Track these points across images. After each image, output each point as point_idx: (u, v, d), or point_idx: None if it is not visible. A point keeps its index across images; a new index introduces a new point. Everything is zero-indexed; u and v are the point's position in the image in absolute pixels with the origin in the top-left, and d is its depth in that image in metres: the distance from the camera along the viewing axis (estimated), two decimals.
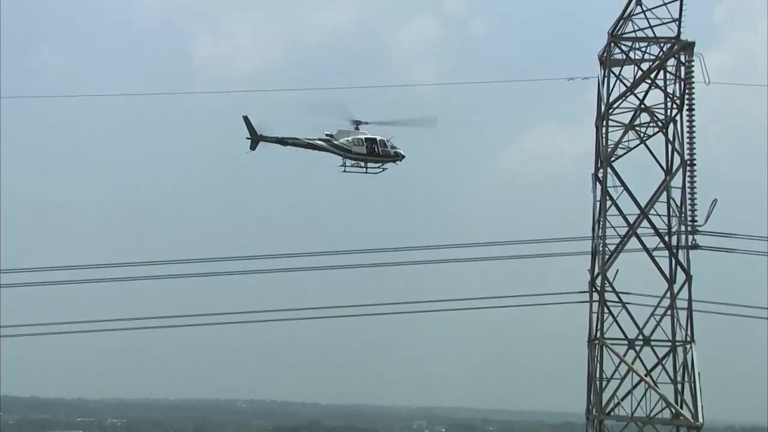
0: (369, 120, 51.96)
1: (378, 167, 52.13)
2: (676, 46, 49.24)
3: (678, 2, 47.71)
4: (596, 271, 53.16)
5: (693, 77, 48.99)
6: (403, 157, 52.54)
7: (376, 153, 51.20)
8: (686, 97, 49.90)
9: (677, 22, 48.40)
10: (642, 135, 53.11)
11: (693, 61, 49.00)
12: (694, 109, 49.34)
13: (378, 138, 51.41)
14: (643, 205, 51.98)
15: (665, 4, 48.53)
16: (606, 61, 52.64)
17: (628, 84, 51.97)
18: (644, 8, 49.41)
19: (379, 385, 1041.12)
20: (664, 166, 52.52)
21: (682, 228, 50.39)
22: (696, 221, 49.38)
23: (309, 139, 50.94)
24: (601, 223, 52.48)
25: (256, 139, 50.36)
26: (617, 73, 52.67)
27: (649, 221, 51.96)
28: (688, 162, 49.98)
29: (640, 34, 51.55)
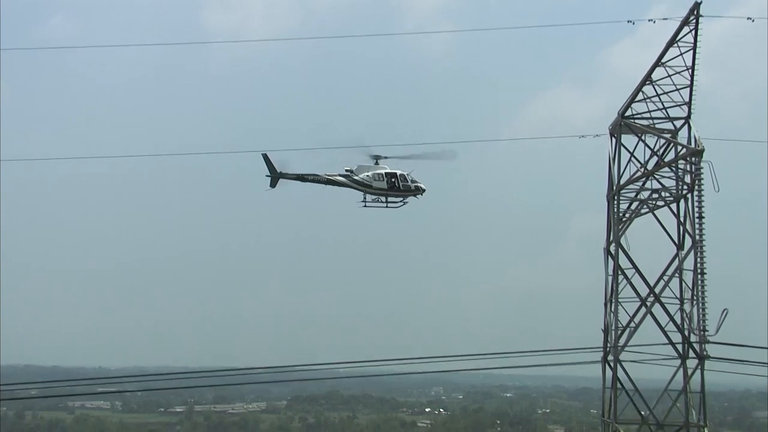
0: (388, 155, 50.33)
1: (399, 201, 50.69)
2: (684, 151, 49.30)
3: (688, 88, 47.66)
4: (609, 346, 53.26)
5: (702, 182, 48.67)
6: (424, 191, 51.79)
7: (397, 188, 49.78)
8: (696, 182, 49.36)
9: (688, 105, 48.57)
10: (652, 205, 52.36)
11: (702, 168, 48.18)
12: (703, 196, 48.80)
13: (398, 172, 50.57)
14: (655, 280, 52.07)
15: (677, 90, 48.90)
16: (617, 140, 52.85)
17: (639, 159, 52.27)
18: (657, 92, 49.83)
19: (396, 351, 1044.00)
20: (676, 239, 52.73)
21: (693, 337, 50.04)
22: (707, 331, 48.71)
23: (329, 176, 50.31)
24: (613, 302, 52.65)
25: (275, 176, 49.18)
26: (630, 151, 53.17)
27: (662, 305, 51.97)
28: (698, 243, 48.63)
29: (652, 108, 51.91)
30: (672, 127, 50.52)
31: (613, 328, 51.57)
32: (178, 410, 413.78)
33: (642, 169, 50.97)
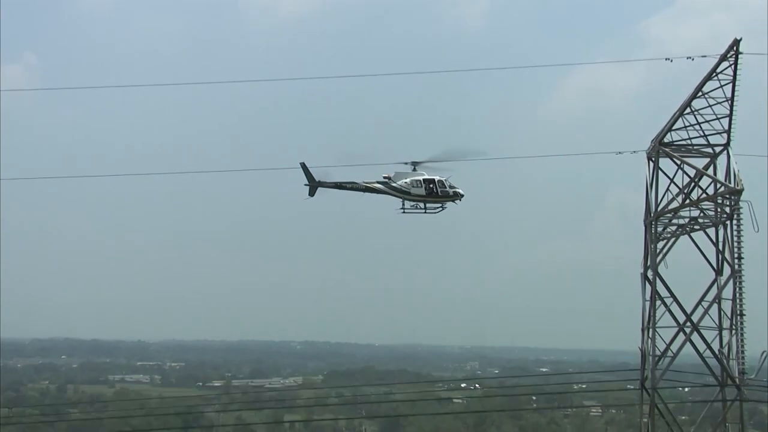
0: (424, 159, 49.44)
1: (438, 207, 50.02)
2: (724, 189, 48.70)
3: (728, 117, 46.89)
4: (647, 374, 53.13)
5: (742, 218, 48.27)
6: (462, 196, 51.09)
7: (435, 193, 49.03)
8: (735, 218, 49.00)
9: (728, 133, 48.08)
10: (689, 229, 50.84)
11: (741, 207, 48.17)
12: (742, 230, 48.34)
13: (437, 178, 50.04)
14: (692, 308, 51.65)
15: (718, 119, 48.45)
16: (655, 165, 52.50)
17: (678, 184, 52.31)
18: (697, 120, 49.70)
19: (432, 325, 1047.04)
20: (714, 265, 52.06)
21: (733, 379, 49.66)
22: (745, 373, 46.27)
23: (367, 183, 49.77)
24: (650, 331, 52.29)
25: (314, 185, 48.58)
26: (670, 177, 53.15)
27: (699, 333, 51.61)
28: (737, 273, 47.08)
29: (692, 135, 51.65)
30: (711, 152, 49.02)
31: (650, 354, 50.17)
32: (216, 384, 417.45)
33: (681, 196, 49.48)
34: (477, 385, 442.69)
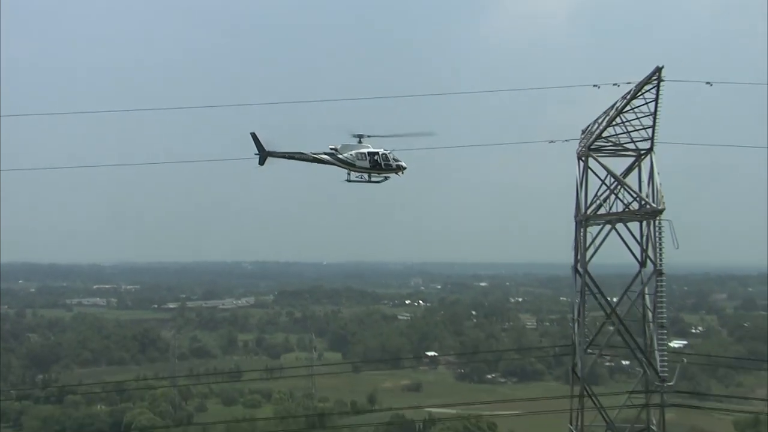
0: (371, 133, 49.65)
1: (381, 179, 50.47)
2: (646, 206, 48.37)
3: (652, 128, 47.91)
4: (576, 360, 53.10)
5: (663, 238, 47.84)
6: (405, 168, 50.85)
7: (379, 166, 49.17)
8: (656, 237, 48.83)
9: (651, 140, 48.88)
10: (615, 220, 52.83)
11: (662, 227, 47.81)
12: (663, 251, 47.71)
13: (380, 151, 49.98)
14: (617, 305, 52.32)
15: (644, 128, 48.89)
16: (585, 165, 52.15)
17: (608, 182, 51.91)
18: (626, 129, 50.04)
19: (377, 243, 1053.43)
20: (639, 257, 51.91)
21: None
22: (666, 381, 48.23)
23: (315, 154, 49.59)
24: (580, 321, 52.16)
25: (264, 155, 48.60)
26: (600, 178, 52.37)
27: (623, 325, 50.95)
28: (659, 272, 48.66)
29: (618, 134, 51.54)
30: (637, 154, 50.41)
31: (579, 344, 51.59)
32: (171, 306, 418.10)
33: (606, 191, 50.80)
34: (421, 302, 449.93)
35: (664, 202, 45.89)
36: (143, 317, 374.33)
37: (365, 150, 49.76)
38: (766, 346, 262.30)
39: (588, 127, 52.77)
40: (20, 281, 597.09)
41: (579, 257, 51.51)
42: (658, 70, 44.83)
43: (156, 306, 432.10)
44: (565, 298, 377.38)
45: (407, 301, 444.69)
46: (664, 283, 45.67)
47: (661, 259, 45.42)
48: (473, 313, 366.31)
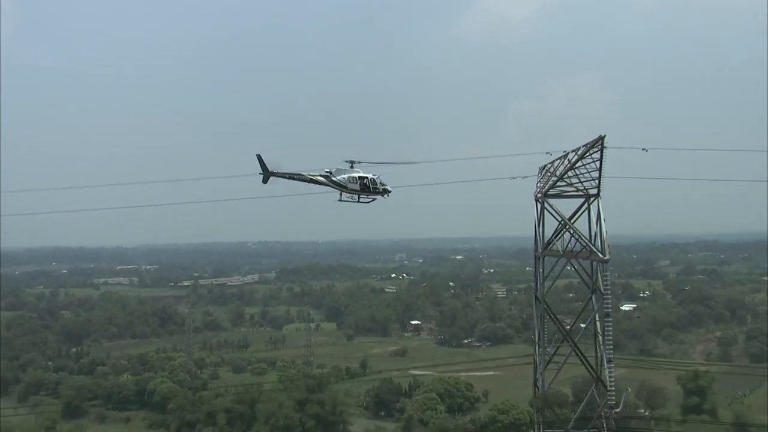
0: (361, 159, 50.67)
1: (369, 200, 51.51)
2: (594, 255, 48.45)
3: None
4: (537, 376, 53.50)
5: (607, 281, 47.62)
6: (390, 192, 51.41)
7: (368, 189, 50.08)
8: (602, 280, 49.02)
9: (598, 188, 49.26)
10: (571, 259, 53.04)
11: (607, 274, 47.53)
12: (608, 291, 47.53)
13: (369, 176, 50.44)
14: (569, 330, 52.66)
15: (592, 180, 49.43)
16: (542, 207, 52.44)
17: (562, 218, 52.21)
18: (579, 179, 50.59)
19: (367, 222, 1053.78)
20: (590, 286, 52.52)
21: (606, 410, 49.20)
22: (613, 407, 48.18)
23: (312, 176, 50.14)
24: (540, 344, 52.41)
25: (267, 174, 49.36)
26: (557, 219, 52.56)
27: (577, 348, 51.74)
28: (603, 296, 48.53)
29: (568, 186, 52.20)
30: (585, 195, 51.02)
31: (539, 363, 52.34)
32: (186, 284, 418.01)
33: (562, 229, 51.43)
34: (405, 275, 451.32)
35: (609, 252, 46.56)
36: (161, 294, 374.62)
37: (356, 174, 50.61)
38: (704, 307, 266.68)
39: (545, 167, 53.25)
40: (53, 263, 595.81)
41: (538, 287, 52.29)
42: (601, 138, 45.65)
43: (172, 284, 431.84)
44: (530, 269, 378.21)
45: (393, 275, 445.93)
46: (610, 323, 46.01)
47: (607, 303, 45.86)
48: (451, 284, 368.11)
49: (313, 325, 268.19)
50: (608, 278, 46.28)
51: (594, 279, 49.18)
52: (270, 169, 49.79)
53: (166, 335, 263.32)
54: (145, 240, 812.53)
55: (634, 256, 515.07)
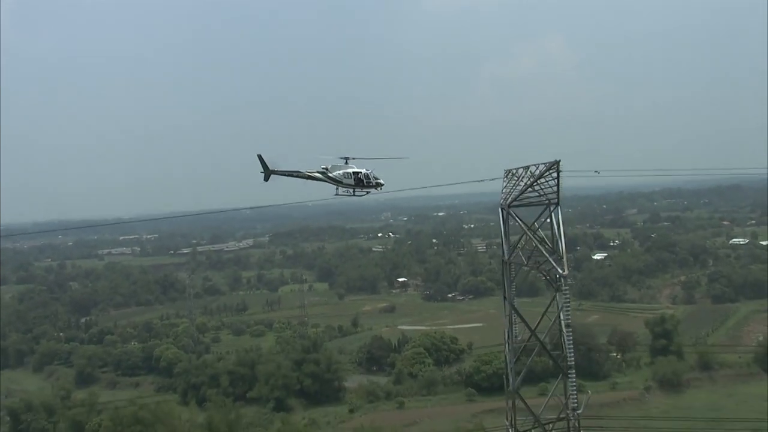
0: (355, 156, 51.61)
1: (363, 193, 52.69)
2: (554, 270, 47.63)
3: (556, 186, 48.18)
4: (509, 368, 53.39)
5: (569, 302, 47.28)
6: (383, 185, 52.37)
7: (362, 183, 51.09)
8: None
9: (557, 199, 49.00)
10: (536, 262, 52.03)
11: (566, 289, 47.10)
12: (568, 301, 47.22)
13: (363, 171, 51.38)
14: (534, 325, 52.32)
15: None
16: (507, 219, 52.27)
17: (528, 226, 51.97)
18: (539, 193, 50.12)
19: None
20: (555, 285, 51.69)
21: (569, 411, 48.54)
22: (575, 409, 47.67)
23: (309, 173, 51.15)
24: (510, 343, 52.58)
25: (268, 173, 50.37)
26: (523, 228, 52.02)
27: (545, 348, 52.44)
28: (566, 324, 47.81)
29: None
30: (546, 203, 51.30)
31: (509, 362, 52.92)
32: (185, 252, 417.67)
33: (525, 236, 51.73)
34: (390, 234, 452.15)
35: (567, 268, 47.01)
36: (162, 262, 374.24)
37: (351, 170, 51.51)
38: (669, 253, 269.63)
39: (510, 171, 53.42)
40: (59, 236, 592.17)
41: (506, 292, 52.95)
42: (557, 163, 46.25)
43: (172, 252, 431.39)
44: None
45: (379, 234, 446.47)
46: (570, 334, 46.64)
47: (567, 314, 46.36)
48: (434, 241, 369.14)
49: (306, 286, 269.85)
50: (567, 292, 46.45)
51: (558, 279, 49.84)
52: (270, 168, 50.87)
53: (169, 302, 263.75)
54: (144, 210, 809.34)
55: (604, 206, 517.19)
